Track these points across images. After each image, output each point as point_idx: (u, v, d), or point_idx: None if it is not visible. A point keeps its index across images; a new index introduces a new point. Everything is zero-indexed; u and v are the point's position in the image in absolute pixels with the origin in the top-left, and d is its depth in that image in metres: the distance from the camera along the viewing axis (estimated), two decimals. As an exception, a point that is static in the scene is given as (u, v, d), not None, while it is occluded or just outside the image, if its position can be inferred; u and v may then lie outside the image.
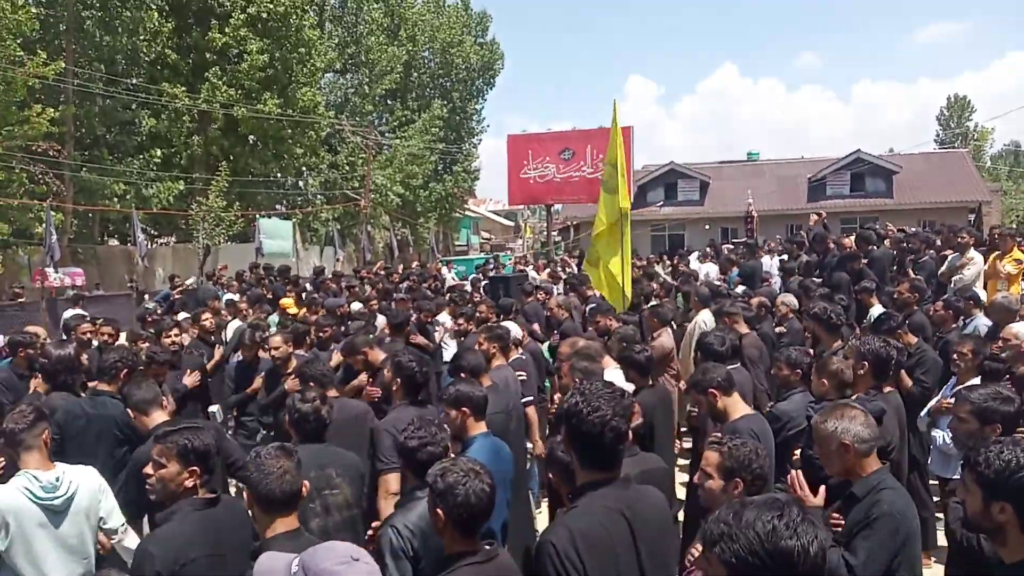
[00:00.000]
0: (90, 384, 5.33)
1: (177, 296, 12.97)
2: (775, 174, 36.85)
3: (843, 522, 3.04)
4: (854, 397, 4.38)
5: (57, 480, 3.39)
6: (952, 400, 5.23)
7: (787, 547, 1.66)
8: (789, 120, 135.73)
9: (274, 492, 2.71)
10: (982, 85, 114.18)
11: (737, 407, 4.12)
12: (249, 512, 2.90)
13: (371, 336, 6.79)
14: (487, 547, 2.67)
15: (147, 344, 7.45)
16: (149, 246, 24.45)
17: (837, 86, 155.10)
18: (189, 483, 2.97)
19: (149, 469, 3.00)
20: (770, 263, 13.32)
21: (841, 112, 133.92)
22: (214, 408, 6.92)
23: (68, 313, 10.64)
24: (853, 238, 10.94)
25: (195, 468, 2.98)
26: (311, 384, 4.69)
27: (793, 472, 3.23)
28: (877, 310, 7.47)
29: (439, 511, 2.59)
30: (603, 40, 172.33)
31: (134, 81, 25.56)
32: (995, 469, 2.28)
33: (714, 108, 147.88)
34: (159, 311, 10.80)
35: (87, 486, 3.51)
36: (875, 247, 10.43)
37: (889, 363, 4.48)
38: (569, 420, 2.63)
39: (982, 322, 6.75)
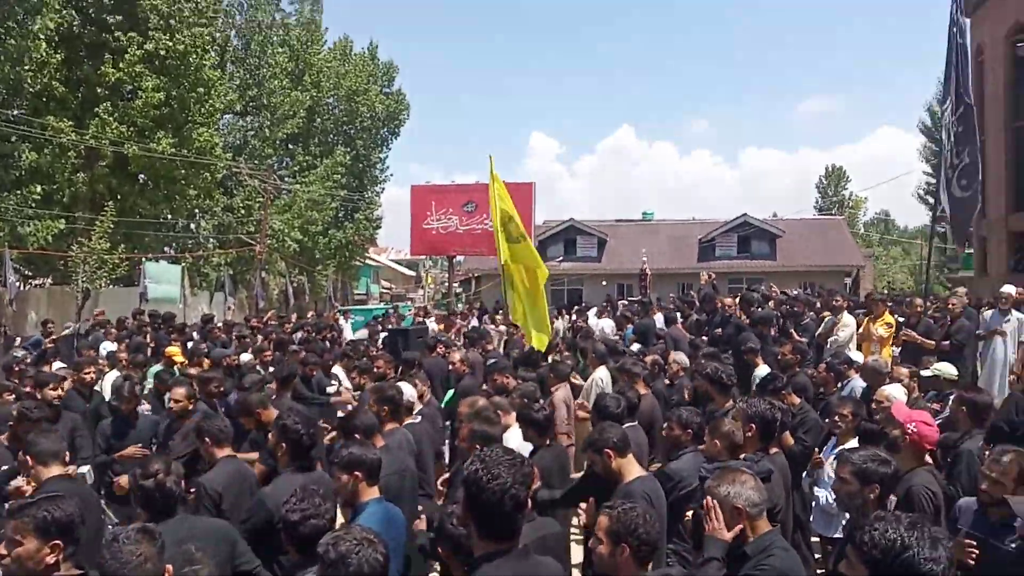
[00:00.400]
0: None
1: (50, 344, 12.10)
2: (668, 234, 38.41)
3: None
4: (742, 458, 4.52)
5: None
6: (823, 456, 5.51)
7: None
8: (681, 182, 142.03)
9: None
10: (856, 156, 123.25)
11: (631, 468, 4.17)
12: None
13: (264, 393, 6.50)
14: None
15: (12, 396, 6.90)
16: (21, 288, 22.76)
17: (725, 152, 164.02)
18: (51, 559, 2.70)
19: (2, 550, 2.71)
20: (662, 321, 13.73)
21: (729, 176, 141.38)
22: (84, 469, 6.42)
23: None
24: (737, 299, 11.48)
25: (57, 542, 2.72)
26: (206, 440, 4.47)
27: (708, 500, 3.27)
28: (762, 370, 7.80)
29: None
30: (507, 96, 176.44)
31: (15, 112, 24.10)
32: (881, 548, 2.34)
33: (612, 167, 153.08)
34: (28, 359, 10.03)
35: None
36: (759, 308, 10.94)
37: (774, 425, 4.66)
38: (468, 488, 2.60)
39: (858, 384, 7.14)
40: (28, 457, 4.01)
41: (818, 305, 12.80)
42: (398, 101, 43.60)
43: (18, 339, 15.63)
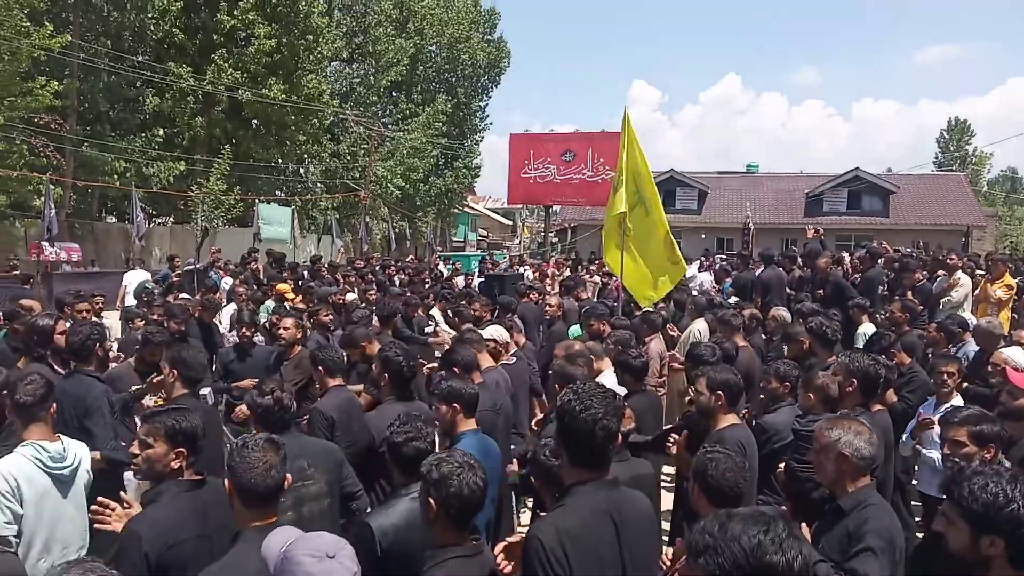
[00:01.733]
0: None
1: (176, 278, 12.97)
2: (773, 187, 37.00)
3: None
4: (839, 413, 4.44)
5: (63, 451, 3.45)
6: (931, 417, 5.32)
7: (772, 562, 1.67)
8: (789, 134, 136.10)
9: (257, 487, 2.63)
10: (982, 110, 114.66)
11: (727, 417, 4.17)
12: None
13: (369, 328, 6.82)
14: (474, 542, 2.70)
15: (143, 323, 7.49)
16: (147, 225, 24.37)
17: (838, 103, 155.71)
18: (175, 464, 2.98)
19: (136, 449, 3.01)
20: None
21: (841, 129, 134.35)
22: (205, 391, 6.95)
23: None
24: (851, 256, 11.06)
25: (182, 449, 2.99)
26: (320, 369, 4.71)
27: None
28: (867, 328, 7.56)
29: (431, 500, 2.61)
30: (610, 44, 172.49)
31: (140, 59, 25.47)
32: (983, 502, 2.27)
33: (715, 118, 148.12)
34: (157, 291, 10.80)
35: (85, 460, 3.57)
36: (871, 266, 10.52)
37: (877, 381, 4.54)
38: (561, 417, 2.66)
39: (971, 347, 6.83)
40: (173, 370, 4.35)
41: (930, 264, 12.16)
42: (499, 49, 43.38)
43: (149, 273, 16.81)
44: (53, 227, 17.09)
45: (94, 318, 7.61)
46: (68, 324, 5.46)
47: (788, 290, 10.77)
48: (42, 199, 17.63)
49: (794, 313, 8.33)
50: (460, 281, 15.35)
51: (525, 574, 2.48)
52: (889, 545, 2.85)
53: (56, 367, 5.17)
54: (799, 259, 12.58)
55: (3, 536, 3.19)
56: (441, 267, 19.30)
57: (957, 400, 4.99)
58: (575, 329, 8.04)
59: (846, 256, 13.91)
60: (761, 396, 5.70)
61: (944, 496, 2.46)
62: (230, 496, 2.70)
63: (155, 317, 7.42)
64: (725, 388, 4.08)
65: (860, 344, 7.24)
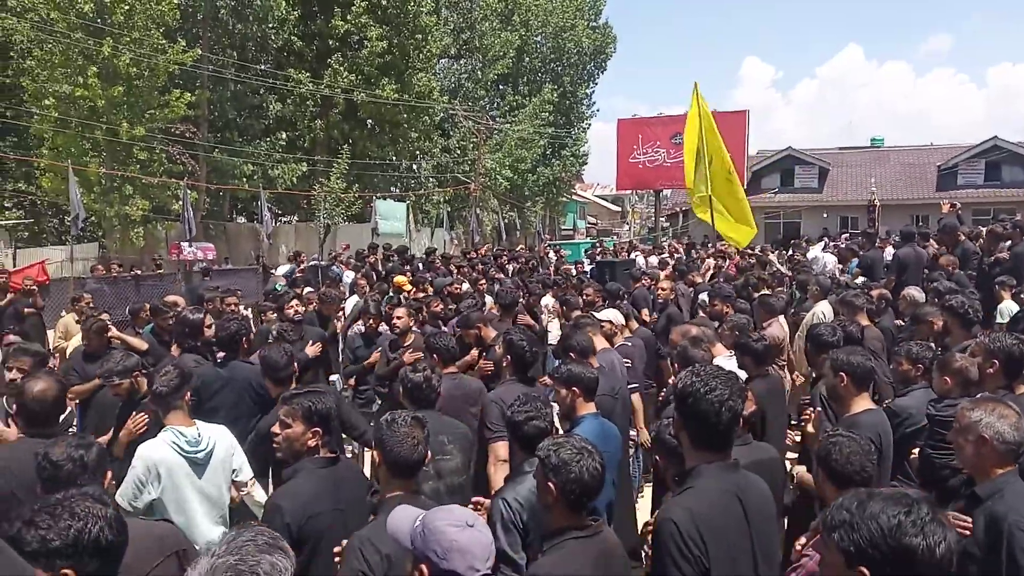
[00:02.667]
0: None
1: (300, 273, 13.67)
2: (901, 161, 34.87)
3: (969, 524, 2.87)
4: (981, 395, 4.19)
5: (199, 435, 3.75)
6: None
7: (911, 544, 1.64)
8: (915, 106, 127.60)
9: (405, 458, 2.83)
10: None
11: (861, 401, 4.01)
12: (367, 472, 3.05)
13: (486, 313, 6.99)
14: (592, 522, 2.72)
15: (275, 316, 7.97)
16: (274, 224, 25.76)
17: (971, 69, 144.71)
18: (312, 443, 3.18)
19: (276, 428, 3.24)
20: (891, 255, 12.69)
21: (974, 97, 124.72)
22: (334, 377, 7.33)
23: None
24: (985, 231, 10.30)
25: (317, 429, 3.19)
26: (434, 356, 4.92)
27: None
28: (1009, 306, 7.05)
29: (551, 485, 2.64)
30: (718, 22, 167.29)
31: (262, 67, 26.89)
32: None
33: (833, 93, 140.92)
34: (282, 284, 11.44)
35: (223, 442, 3.87)
36: (1020, 240, 9.71)
37: (1022, 361, 4.24)
38: (683, 399, 2.64)
39: None
40: (265, 372, 4.72)
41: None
42: (605, 35, 42.93)
43: (274, 269, 17.80)
44: (192, 229, 18.36)
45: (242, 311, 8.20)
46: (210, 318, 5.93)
47: (925, 270, 10.16)
48: (180, 203, 18.97)
49: (928, 292, 7.88)
50: (571, 270, 15.34)
51: (657, 557, 2.47)
52: None
53: (207, 357, 5.64)
54: (934, 236, 11.84)
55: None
56: (551, 255, 19.39)
57: None
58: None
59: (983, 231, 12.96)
60: (889, 379, 5.45)
61: None
62: (378, 467, 2.90)
63: (292, 308, 7.78)
64: (849, 369, 3.91)
65: (1002, 322, 6.77)
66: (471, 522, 2.12)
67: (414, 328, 6.98)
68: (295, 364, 4.70)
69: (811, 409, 4.18)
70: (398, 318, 6.65)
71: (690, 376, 2.68)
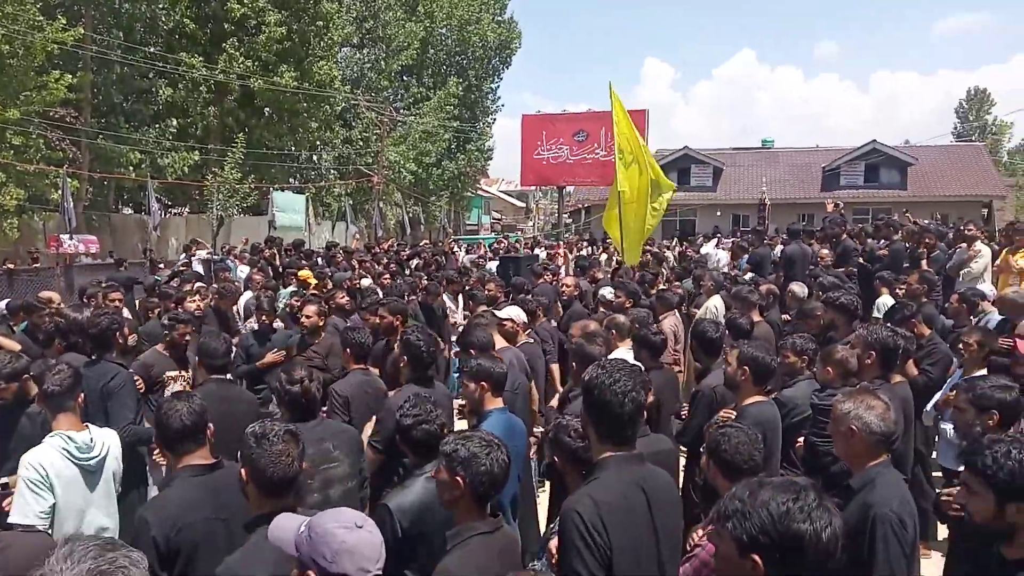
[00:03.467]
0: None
1: (183, 267, 13.10)
2: (790, 162, 36.64)
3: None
4: (858, 386, 4.43)
5: (91, 440, 3.50)
6: (948, 386, 5.30)
7: (799, 530, 1.69)
8: (805, 108, 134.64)
9: (273, 476, 2.65)
10: (1003, 78, 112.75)
11: (754, 394, 4.16)
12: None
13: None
14: (492, 519, 2.73)
15: (158, 310, 7.59)
16: (163, 216, 24.53)
17: (855, 75, 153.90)
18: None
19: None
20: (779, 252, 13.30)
21: (858, 101, 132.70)
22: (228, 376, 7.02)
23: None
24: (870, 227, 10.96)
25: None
26: (347, 350, 4.84)
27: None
28: (886, 301, 7.50)
29: (459, 479, 2.62)
30: (620, 21, 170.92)
31: (152, 50, 25.52)
32: (1008, 470, 2.24)
33: (730, 94, 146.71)
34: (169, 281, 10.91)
35: (114, 447, 3.63)
36: (892, 239, 10.39)
37: (896, 353, 4.50)
38: (589, 391, 2.67)
39: (995, 318, 6.75)
40: (198, 358, 4.51)
41: (950, 236, 12.02)
42: (510, 29, 43.08)
43: (162, 263, 16.97)
44: (73, 220, 17.25)
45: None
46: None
47: (810, 266, 10.70)
48: (59, 192, 17.78)
49: (813, 288, 8.28)
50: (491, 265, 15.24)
51: (563, 547, 2.49)
52: (899, 526, 2.75)
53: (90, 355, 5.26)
54: (818, 233, 12.48)
55: (32, 525, 3.24)
56: (457, 251, 19.30)
57: (982, 372, 4.93)
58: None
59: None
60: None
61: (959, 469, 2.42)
62: (245, 483, 2.72)
63: (172, 306, 7.47)
64: (752, 363, 4.07)
65: (878, 316, 7.19)
66: (360, 523, 2.07)
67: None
68: (231, 353, 4.52)
69: (726, 411, 4.32)
70: (307, 316, 6.43)
71: (596, 369, 2.72)
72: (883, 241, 10.61)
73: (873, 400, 2.97)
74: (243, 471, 2.71)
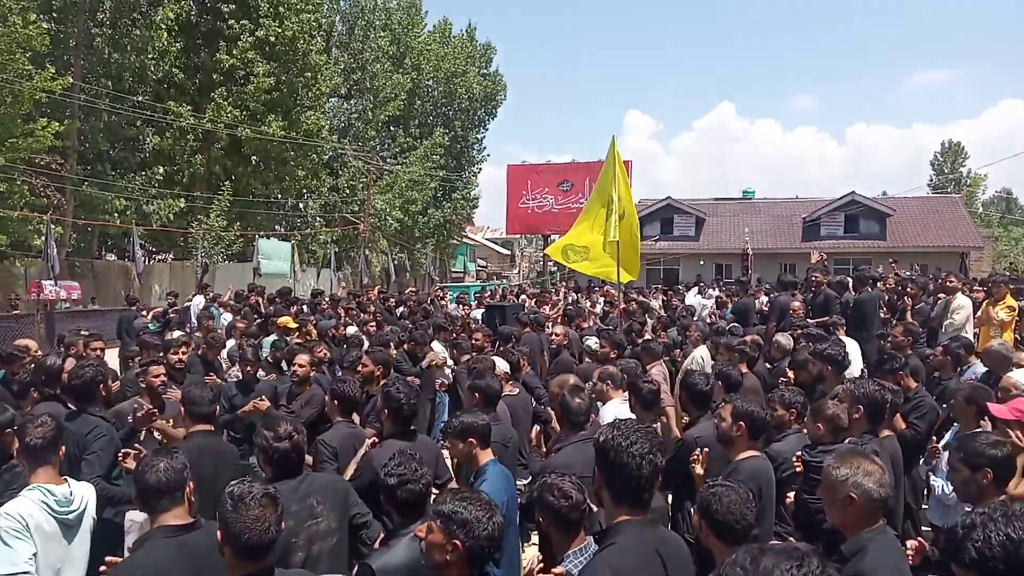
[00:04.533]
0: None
1: (173, 314, 12.97)
2: (770, 213, 37.19)
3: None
4: (846, 441, 4.41)
5: (71, 494, 3.41)
6: (938, 446, 5.27)
7: None
8: (784, 160, 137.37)
9: (248, 542, 2.59)
10: (975, 132, 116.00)
11: (748, 448, 4.12)
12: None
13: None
14: None
15: (138, 359, 7.47)
16: (147, 262, 24.41)
17: (832, 128, 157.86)
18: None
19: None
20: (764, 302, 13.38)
21: (836, 153, 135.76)
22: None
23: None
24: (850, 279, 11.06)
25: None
26: (335, 402, 4.77)
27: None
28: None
29: (457, 542, 2.49)
30: (603, 75, 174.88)
31: (140, 98, 25.70)
32: (997, 555, 2.14)
33: (710, 145, 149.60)
34: (153, 328, 10.79)
35: (92, 502, 3.54)
36: (867, 289, 10.44)
37: (884, 406, 4.47)
38: (605, 454, 2.62)
39: (979, 369, 6.79)
40: (183, 406, 4.41)
41: (931, 287, 12.17)
42: (495, 82, 43.88)
43: (144, 310, 16.79)
44: (56, 266, 17.10)
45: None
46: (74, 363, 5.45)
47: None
48: (42, 238, 17.66)
49: (799, 338, 8.31)
50: (476, 313, 15.19)
51: None
52: None
53: (69, 405, 5.13)
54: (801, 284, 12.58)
55: (26, 572, 3.15)
56: (444, 299, 19.26)
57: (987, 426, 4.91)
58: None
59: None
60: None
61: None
62: (221, 546, 2.65)
63: (178, 355, 7.31)
64: (748, 419, 4.01)
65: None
66: None
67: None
68: (217, 402, 4.42)
69: (700, 450, 4.26)
70: (300, 366, 6.35)
71: (611, 430, 2.67)
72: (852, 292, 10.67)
73: (869, 464, 2.88)
74: (219, 532, 2.64)
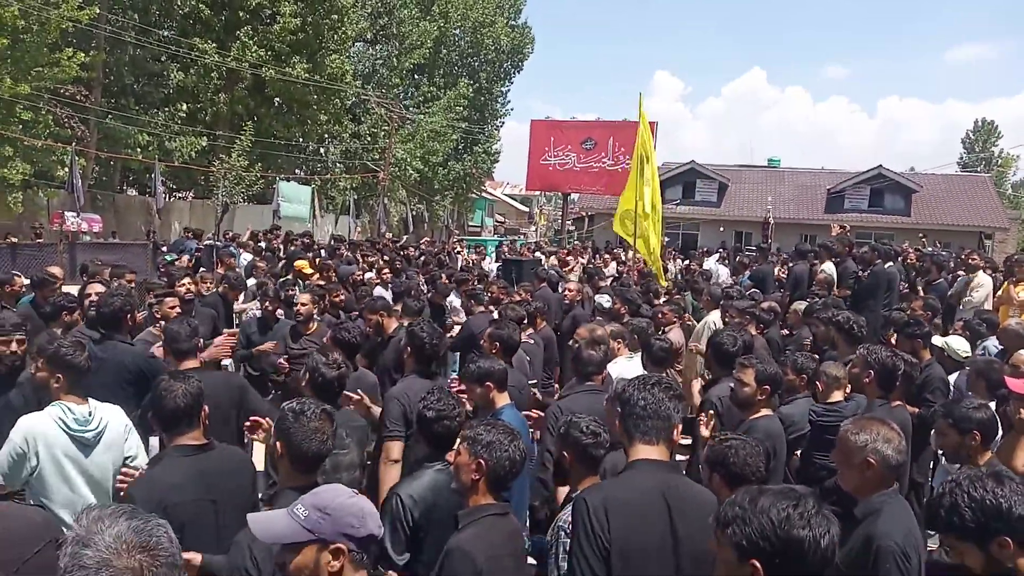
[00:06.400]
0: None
1: (198, 252, 13.11)
2: (794, 182, 36.70)
3: None
4: (865, 414, 4.47)
5: (90, 415, 3.51)
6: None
7: (798, 536, 1.72)
8: (812, 129, 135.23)
9: (310, 451, 2.76)
10: (1010, 111, 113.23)
11: (765, 408, 4.19)
12: (255, 461, 2.91)
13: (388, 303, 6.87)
14: (504, 503, 2.82)
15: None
16: (167, 199, 24.53)
17: (864, 100, 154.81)
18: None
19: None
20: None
21: (865, 126, 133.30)
22: (226, 361, 7.03)
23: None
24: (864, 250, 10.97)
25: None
26: (338, 348, 4.77)
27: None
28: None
29: (482, 461, 2.69)
30: (633, 33, 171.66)
31: (166, 33, 25.56)
32: (968, 517, 2.21)
33: (738, 112, 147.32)
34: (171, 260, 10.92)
35: (115, 423, 3.63)
36: (881, 263, 10.32)
37: (896, 373, 4.46)
38: (623, 399, 2.75)
39: (992, 344, 6.78)
40: (165, 345, 4.43)
41: (951, 264, 12.05)
42: (523, 34, 43.20)
43: (164, 246, 16.98)
44: (81, 198, 17.25)
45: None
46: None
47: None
48: (65, 169, 17.77)
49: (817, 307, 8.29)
50: (487, 265, 15.31)
51: (572, 533, 2.56)
52: (902, 559, 2.64)
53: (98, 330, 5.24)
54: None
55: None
56: (461, 251, 19.32)
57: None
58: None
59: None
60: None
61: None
62: (279, 456, 2.80)
63: (185, 286, 7.40)
64: (772, 382, 4.13)
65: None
66: (352, 492, 2.18)
67: (316, 316, 6.79)
68: (198, 337, 4.45)
69: (707, 412, 4.32)
70: (302, 304, 6.46)
71: (632, 380, 2.81)
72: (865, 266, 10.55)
73: (888, 431, 2.86)
74: (278, 444, 2.80)
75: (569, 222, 36.44)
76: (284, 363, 5.99)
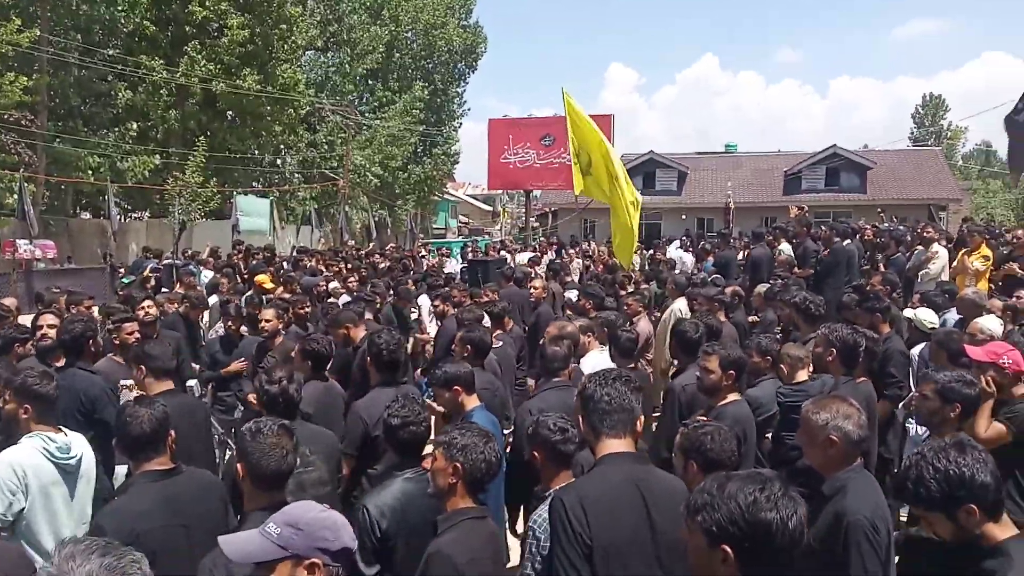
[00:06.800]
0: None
1: (157, 272, 12.84)
2: (752, 167, 37.15)
3: None
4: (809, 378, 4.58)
5: (68, 442, 3.47)
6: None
7: (766, 519, 1.75)
8: (767, 113, 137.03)
9: (269, 468, 2.71)
10: (957, 84, 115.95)
11: (732, 393, 4.22)
12: (219, 482, 2.87)
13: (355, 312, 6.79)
14: (482, 506, 2.84)
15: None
16: (122, 220, 24.05)
17: (815, 81, 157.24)
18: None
19: None
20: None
21: (818, 107, 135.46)
22: (191, 382, 6.91)
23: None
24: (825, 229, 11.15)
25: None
26: (307, 361, 4.71)
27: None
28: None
29: (458, 464, 2.71)
30: (585, 27, 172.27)
31: (111, 52, 25.05)
32: (934, 488, 2.27)
33: (693, 98, 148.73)
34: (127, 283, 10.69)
35: (88, 453, 3.60)
36: (840, 241, 10.50)
37: (857, 350, 4.52)
38: (585, 396, 2.77)
39: (952, 316, 6.92)
40: (141, 368, 4.27)
41: (908, 238, 12.29)
42: (475, 34, 43.12)
43: (121, 268, 16.64)
44: (34, 225, 16.85)
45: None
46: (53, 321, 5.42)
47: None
48: (15, 197, 17.33)
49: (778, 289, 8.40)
50: (450, 266, 15.26)
51: (551, 534, 2.57)
52: (872, 532, 2.70)
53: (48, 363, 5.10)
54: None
55: None
56: (425, 255, 19.24)
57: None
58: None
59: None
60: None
61: None
62: (241, 479, 2.76)
63: (144, 310, 7.25)
64: (736, 367, 4.16)
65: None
66: (323, 507, 2.16)
67: (282, 330, 6.68)
68: (177, 359, 4.37)
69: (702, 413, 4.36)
70: (266, 320, 6.35)
71: (593, 375, 2.85)
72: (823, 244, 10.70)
73: (847, 407, 2.92)
74: (239, 466, 2.76)
75: (533, 219, 36.50)
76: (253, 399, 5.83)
